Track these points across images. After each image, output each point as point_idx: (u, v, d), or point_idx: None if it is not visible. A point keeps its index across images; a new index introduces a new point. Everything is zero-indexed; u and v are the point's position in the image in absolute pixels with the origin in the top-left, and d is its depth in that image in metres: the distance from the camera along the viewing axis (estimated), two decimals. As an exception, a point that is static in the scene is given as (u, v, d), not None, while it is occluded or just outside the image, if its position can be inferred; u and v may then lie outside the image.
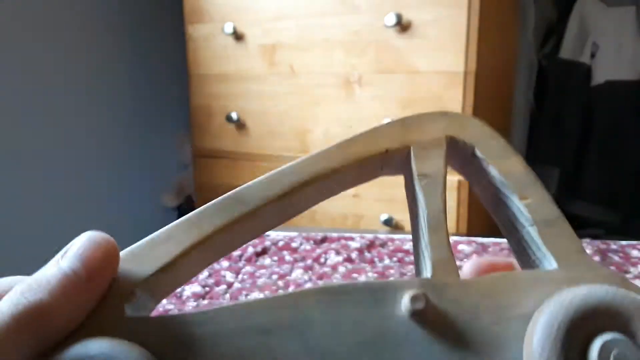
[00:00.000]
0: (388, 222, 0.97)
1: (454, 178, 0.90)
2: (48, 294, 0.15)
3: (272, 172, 0.18)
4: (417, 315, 0.16)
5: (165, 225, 0.17)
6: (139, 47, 1.27)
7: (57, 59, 1.08)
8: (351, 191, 1.00)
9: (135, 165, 1.28)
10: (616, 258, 0.48)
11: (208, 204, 0.17)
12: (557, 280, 0.16)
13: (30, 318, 0.14)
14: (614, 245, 0.50)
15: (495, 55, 1.01)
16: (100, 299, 0.16)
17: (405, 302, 0.16)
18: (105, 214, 1.20)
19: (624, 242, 0.50)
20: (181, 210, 1.35)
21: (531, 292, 0.16)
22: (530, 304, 0.16)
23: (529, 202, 0.17)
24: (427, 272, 0.17)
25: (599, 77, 1.23)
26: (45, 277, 0.15)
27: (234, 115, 1.09)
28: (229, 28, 1.05)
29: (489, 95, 0.99)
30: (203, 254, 0.17)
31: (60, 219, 1.06)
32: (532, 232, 0.17)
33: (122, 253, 0.17)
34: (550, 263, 0.17)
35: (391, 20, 0.90)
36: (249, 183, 0.17)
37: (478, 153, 0.18)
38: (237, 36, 1.06)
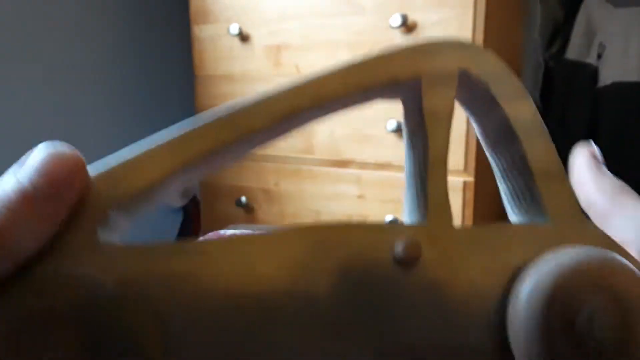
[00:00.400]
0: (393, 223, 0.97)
1: (459, 179, 0.90)
2: (7, 211, 0.13)
3: (272, 91, 0.16)
4: (409, 262, 0.16)
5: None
6: (144, 47, 1.27)
7: (60, 59, 1.08)
8: (356, 192, 1.00)
9: (141, 166, 1.28)
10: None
11: (198, 121, 0.16)
12: (548, 236, 0.16)
13: None
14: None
15: (501, 56, 1.00)
16: (66, 218, 0.15)
17: (398, 249, 0.16)
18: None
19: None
20: (186, 211, 1.36)
21: (521, 246, 0.16)
22: (519, 257, 0.16)
23: (532, 151, 0.17)
24: (422, 217, 0.17)
25: (606, 78, 1.23)
26: (4, 192, 0.14)
27: (239, 116, 1.09)
28: (234, 29, 1.05)
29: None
30: (186, 175, 0.16)
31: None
32: (530, 181, 0.17)
33: (94, 168, 0.16)
34: (543, 215, 0.17)
35: (396, 21, 0.89)
36: (246, 103, 0.16)
37: (490, 91, 0.17)
38: (243, 37, 1.07)
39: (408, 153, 0.18)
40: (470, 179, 0.90)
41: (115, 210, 0.15)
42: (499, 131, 0.18)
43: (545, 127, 0.17)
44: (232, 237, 0.16)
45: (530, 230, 0.16)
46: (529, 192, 0.17)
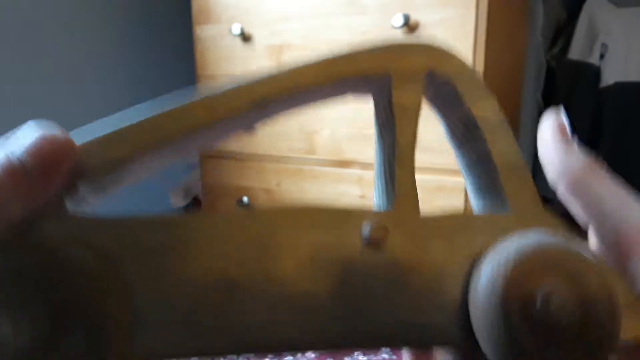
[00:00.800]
0: (395, 224, 0.97)
1: (459, 179, 0.90)
2: None
3: (247, 79, 0.17)
4: (375, 245, 0.16)
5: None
6: (146, 48, 1.27)
7: (62, 59, 1.09)
8: (358, 192, 1.00)
9: (143, 166, 1.28)
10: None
11: (174, 104, 0.16)
12: (508, 225, 0.17)
13: None
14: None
15: (503, 56, 1.01)
16: (47, 198, 0.15)
17: (365, 231, 0.16)
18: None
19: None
20: (188, 211, 1.36)
21: (482, 234, 0.17)
22: (480, 244, 0.17)
23: (496, 146, 0.18)
24: (389, 204, 0.17)
25: (608, 78, 1.22)
26: None
27: (241, 116, 1.09)
28: (236, 29, 1.05)
29: (497, 96, 0.98)
30: (158, 156, 0.17)
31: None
32: (493, 175, 0.18)
33: None
34: (504, 207, 0.17)
35: (399, 21, 0.89)
36: (220, 89, 0.17)
37: (455, 90, 0.18)
38: (245, 37, 1.07)
39: (378, 145, 0.19)
40: (472, 179, 0.90)
41: (82, 182, 0.15)
42: (464, 128, 0.18)
43: (507, 124, 0.18)
44: (208, 214, 0.16)
45: (491, 219, 0.17)
46: (493, 185, 0.18)
